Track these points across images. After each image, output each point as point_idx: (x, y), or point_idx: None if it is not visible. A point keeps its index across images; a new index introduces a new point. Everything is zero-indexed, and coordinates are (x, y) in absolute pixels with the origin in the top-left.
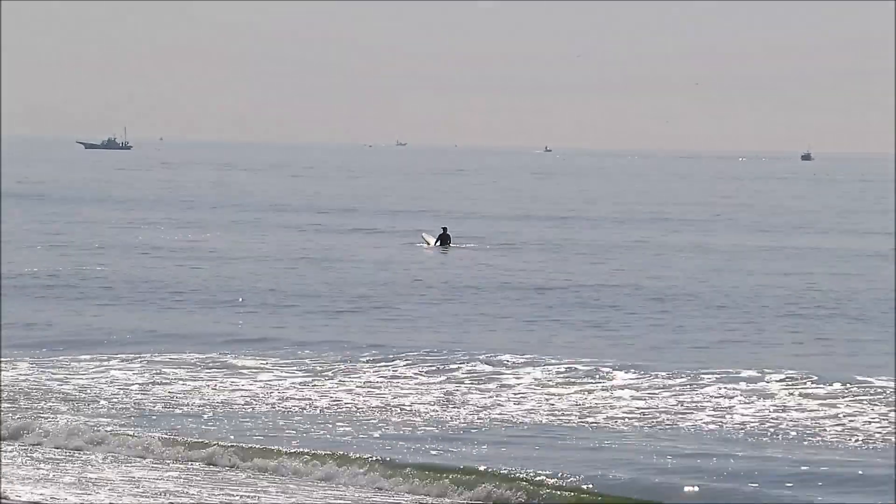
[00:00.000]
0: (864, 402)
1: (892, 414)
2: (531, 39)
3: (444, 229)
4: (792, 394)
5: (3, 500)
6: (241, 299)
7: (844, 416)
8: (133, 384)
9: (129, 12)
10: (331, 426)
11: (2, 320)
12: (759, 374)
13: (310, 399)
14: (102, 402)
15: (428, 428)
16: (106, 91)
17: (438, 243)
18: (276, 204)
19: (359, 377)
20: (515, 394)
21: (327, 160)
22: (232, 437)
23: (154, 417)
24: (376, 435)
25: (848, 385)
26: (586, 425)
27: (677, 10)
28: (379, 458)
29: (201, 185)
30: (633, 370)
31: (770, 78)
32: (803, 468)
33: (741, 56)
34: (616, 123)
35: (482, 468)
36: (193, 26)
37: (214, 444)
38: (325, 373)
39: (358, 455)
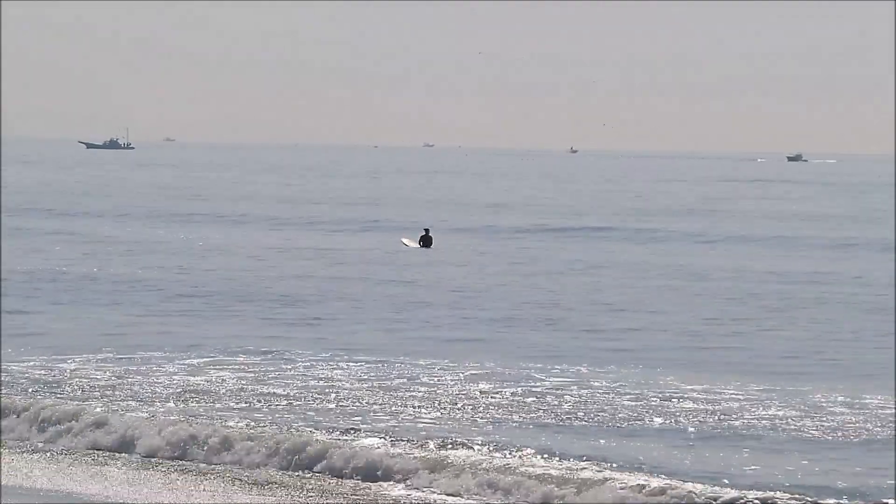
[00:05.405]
0: None
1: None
2: (549, 39)
3: (427, 231)
4: None
5: None
6: None
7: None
8: None
9: (134, 13)
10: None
11: (2, 320)
12: None
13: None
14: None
15: None
16: (119, 94)
17: (421, 244)
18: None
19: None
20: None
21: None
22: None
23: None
24: None
25: None
26: None
27: (677, 11)
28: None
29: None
30: None
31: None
32: None
33: (752, 57)
34: (641, 124)
35: None
36: (201, 28)
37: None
38: None
39: None
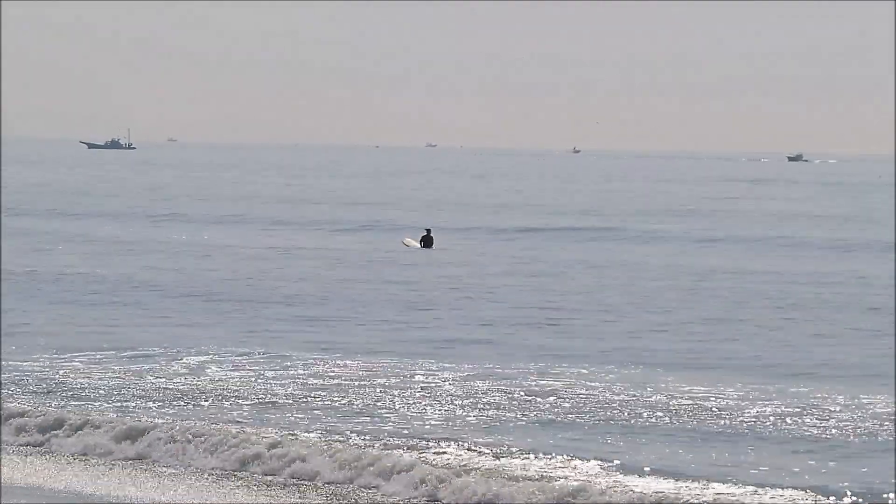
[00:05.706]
0: None
1: None
2: (549, 39)
3: (428, 231)
4: None
5: None
6: None
7: None
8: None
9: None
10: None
11: (2, 320)
12: None
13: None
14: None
15: None
16: (120, 94)
17: (422, 244)
18: None
19: None
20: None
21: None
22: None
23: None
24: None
25: None
26: None
27: (677, 11)
28: None
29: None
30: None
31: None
32: None
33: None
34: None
35: None
36: (201, 28)
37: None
38: None
39: None
